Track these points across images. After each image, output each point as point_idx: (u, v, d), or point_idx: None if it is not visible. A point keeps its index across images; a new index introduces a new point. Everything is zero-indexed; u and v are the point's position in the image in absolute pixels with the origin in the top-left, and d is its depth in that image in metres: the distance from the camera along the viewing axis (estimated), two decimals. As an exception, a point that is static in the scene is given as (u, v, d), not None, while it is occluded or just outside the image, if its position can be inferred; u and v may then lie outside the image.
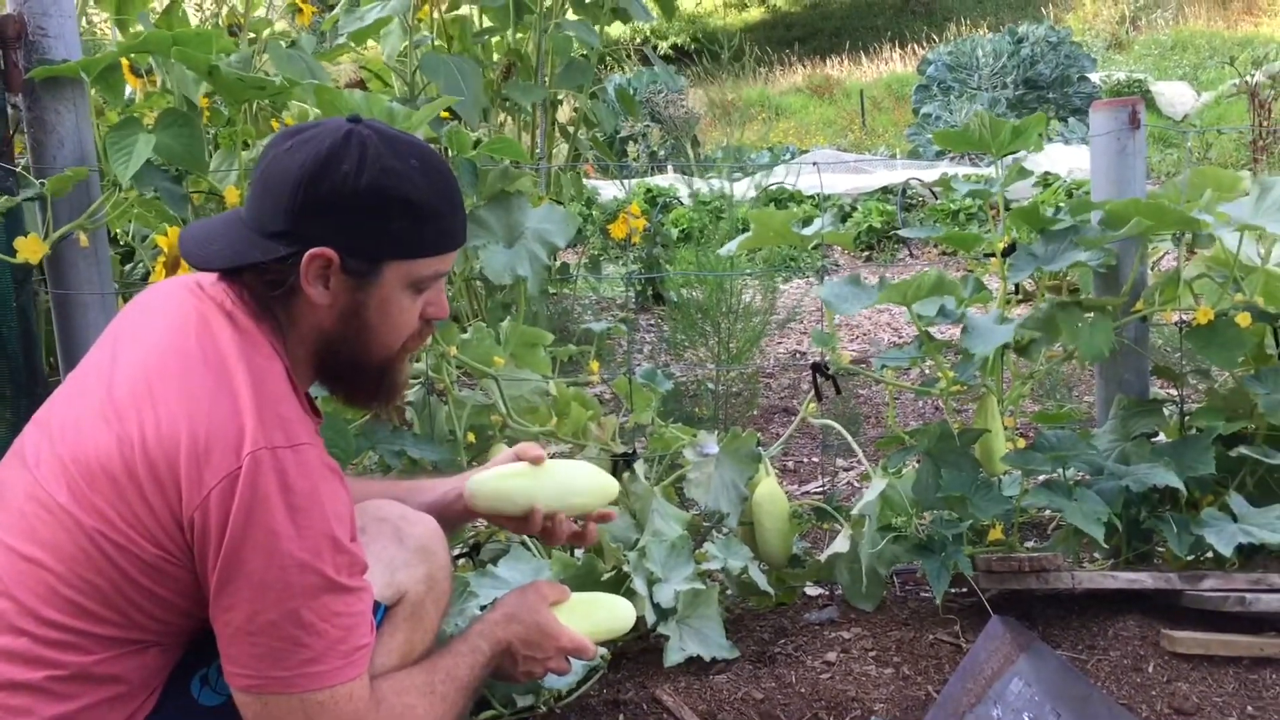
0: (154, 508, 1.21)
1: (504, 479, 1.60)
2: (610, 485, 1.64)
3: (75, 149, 1.86)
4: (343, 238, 1.30)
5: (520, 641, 1.49)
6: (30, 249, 1.72)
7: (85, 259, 1.87)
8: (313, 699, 1.23)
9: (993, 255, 2.28)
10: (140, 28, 2.45)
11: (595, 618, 1.59)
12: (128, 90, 2.34)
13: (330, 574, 1.23)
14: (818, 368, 2.25)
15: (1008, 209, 2.30)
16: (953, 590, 2.18)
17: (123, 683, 1.25)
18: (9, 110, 1.87)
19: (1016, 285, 2.32)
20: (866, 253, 7.03)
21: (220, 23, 3.18)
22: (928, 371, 3.51)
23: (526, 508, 1.58)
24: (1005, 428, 2.26)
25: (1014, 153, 2.27)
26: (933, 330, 2.26)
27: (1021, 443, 2.31)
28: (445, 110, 3.20)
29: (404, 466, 2.07)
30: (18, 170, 1.85)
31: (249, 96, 1.89)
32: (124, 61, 2.07)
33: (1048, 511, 2.61)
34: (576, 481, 1.62)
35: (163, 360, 1.29)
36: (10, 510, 1.27)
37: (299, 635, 1.22)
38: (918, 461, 2.19)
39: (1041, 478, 2.33)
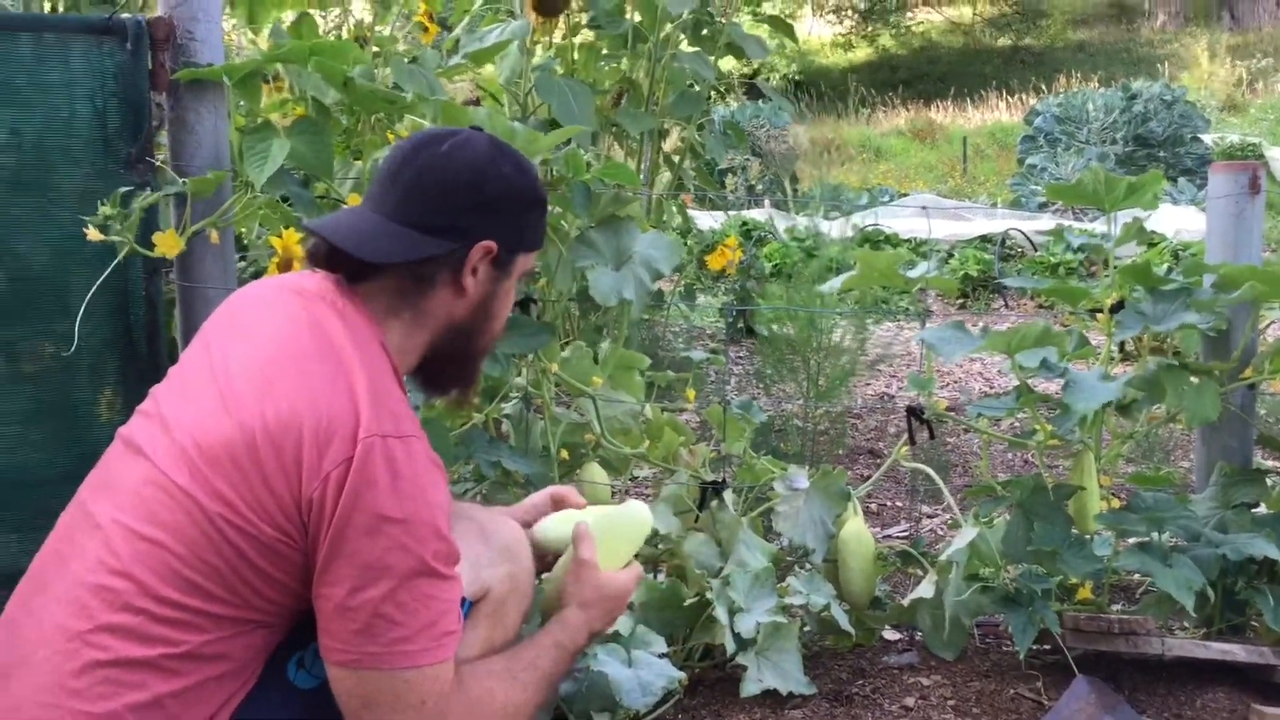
0: (275, 490, 1.27)
1: (564, 525, 1.64)
2: (646, 525, 1.69)
3: (212, 150, 1.94)
4: (502, 231, 1.46)
5: (602, 619, 1.55)
6: (168, 244, 1.80)
7: (213, 255, 1.95)
8: (401, 676, 1.29)
9: (1099, 311, 2.25)
10: (266, 36, 2.55)
11: (626, 538, 1.64)
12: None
13: (428, 559, 1.29)
14: (913, 411, 2.25)
15: (1113, 265, 2.27)
16: (1036, 646, 2.15)
17: (230, 661, 1.30)
18: (153, 109, 1.96)
19: (1121, 344, 2.29)
20: (960, 300, 6.96)
21: (345, 35, 3.29)
22: (1017, 424, 3.47)
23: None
24: (1100, 486, 2.23)
25: (1127, 209, 2.24)
26: (1031, 382, 2.24)
27: (1116, 503, 2.28)
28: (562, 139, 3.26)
29: (497, 477, 2.11)
30: (157, 165, 1.94)
31: (379, 108, 1.96)
32: (260, 69, 2.15)
33: (1137, 575, 2.56)
34: (635, 525, 1.67)
35: (277, 354, 1.35)
36: (126, 494, 1.32)
37: (394, 614, 1.27)
38: (1008, 513, 2.17)
39: (1134, 540, 2.29)
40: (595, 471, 2.22)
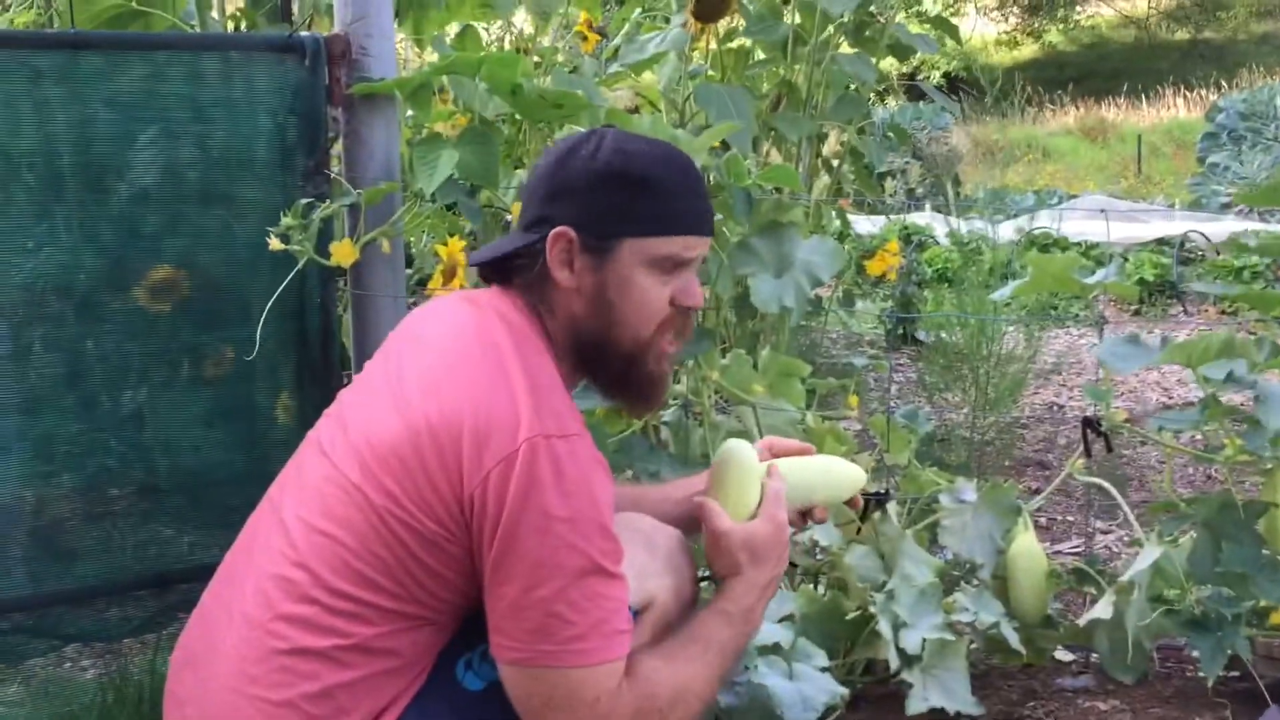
0: (437, 486, 1.30)
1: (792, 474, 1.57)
2: (860, 474, 1.63)
3: (384, 161, 2.00)
4: (581, 215, 1.40)
5: (770, 571, 1.48)
6: (344, 253, 1.86)
7: (384, 263, 2.00)
8: (576, 674, 1.29)
9: (1293, 318, 2.11)
10: (432, 49, 2.61)
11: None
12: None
13: (597, 557, 1.29)
14: (1089, 423, 2.15)
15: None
16: (1224, 673, 2.03)
17: (398, 657, 1.33)
18: (329, 122, 2.03)
19: (1320, 352, 2.14)
20: (1135, 306, 6.66)
21: (506, 46, 3.35)
22: (1200, 437, 3.29)
23: (804, 505, 1.58)
24: (1295, 504, 2.09)
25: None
26: (1219, 394, 2.12)
27: (1313, 522, 2.12)
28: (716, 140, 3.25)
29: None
30: (333, 177, 2.01)
31: (547, 116, 1.98)
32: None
33: (1336, 600, 2.39)
34: (835, 474, 1.62)
35: (444, 358, 1.39)
36: (308, 490, 1.39)
37: (566, 612, 1.28)
38: (1193, 531, 2.05)
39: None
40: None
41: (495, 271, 1.49)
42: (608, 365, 1.46)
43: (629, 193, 1.40)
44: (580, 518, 1.28)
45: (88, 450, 1.95)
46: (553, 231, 1.40)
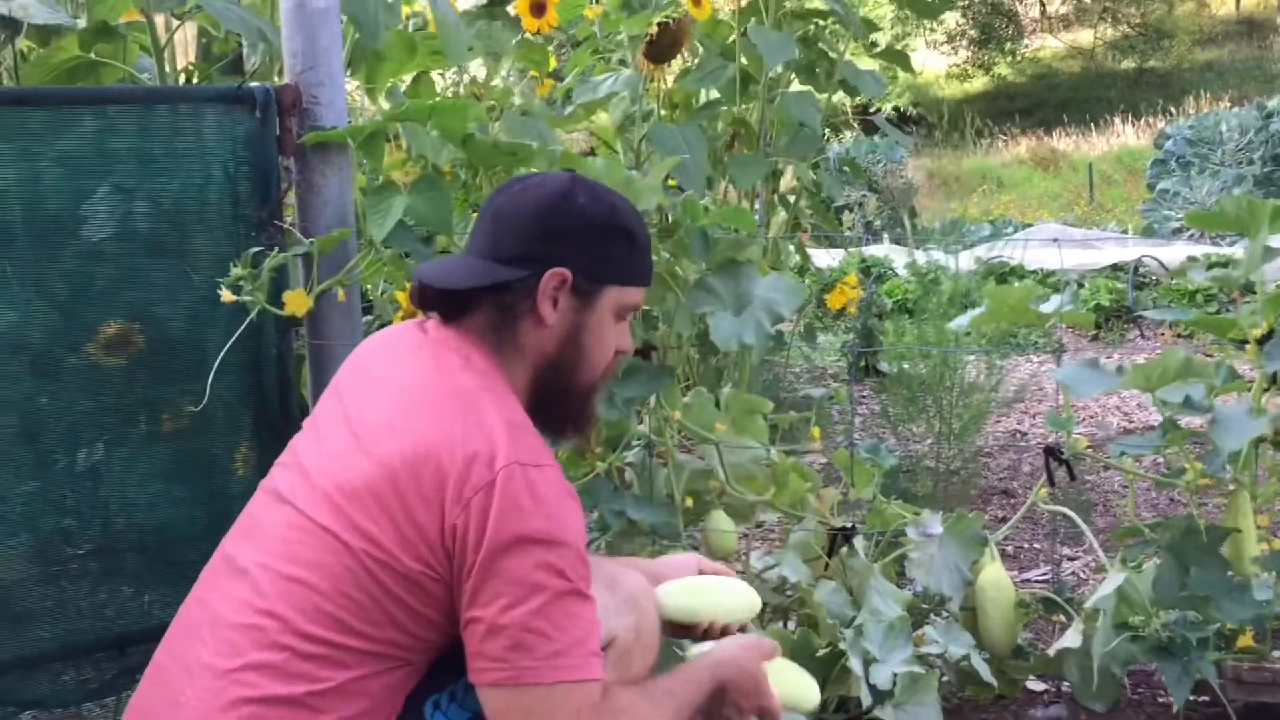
0: (418, 521, 1.31)
1: (694, 594, 1.66)
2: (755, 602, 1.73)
3: (337, 209, 1.98)
4: (577, 258, 1.45)
5: (734, 687, 1.53)
6: (297, 302, 1.84)
7: (340, 312, 1.98)
8: (558, 690, 1.30)
9: (1246, 342, 2.13)
10: (385, 98, 2.61)
11: (790, 685, 1.63)
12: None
13: (573, 579, 1.32)
14: (1051, 451, 2.16)
15: (1261, 293, 2.15)
16: (1194, 698, 2.03)
17: (369, 699, 1.32)
18: (281, 172, 2.01)
19: (1274, 375, 2.17)
20: (1094, 332, 6.73)
21: (461, 92, 3.36)
22: (1161, 461, 3.31)
23: (708, 621, 1.65)
24: (1258, 526, 2.11)
25: (1274, 235, 2.13)
26: (1178, 418, 2.13)
27: (1276, 544, 2.14)
28: (672, 180, 3.26)
29: (622, 526, 2.10)
30: (285, 227, 1.99)
31: (499, 162, 1.98)
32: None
33: (1300, 620, 2.40)
34: (741, 598, 1.70)
35: (409, 395, 1.40)
36: (270, 539, 1.38)
37: (546, 629, 1.30)
38: (1157, 556, 2.06)
39: (1296, 583, 2.15)
40: (720, 519, 2.19)
41: (452, 302, 1.47)
42: (567, 403, 1.51)
43: (621, 243, 1.48)
44: (557, 541, 1.31)
45: (42, 510, 1.91)
46: (550, 270, 1.44)
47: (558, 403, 1.50)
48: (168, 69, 2.36)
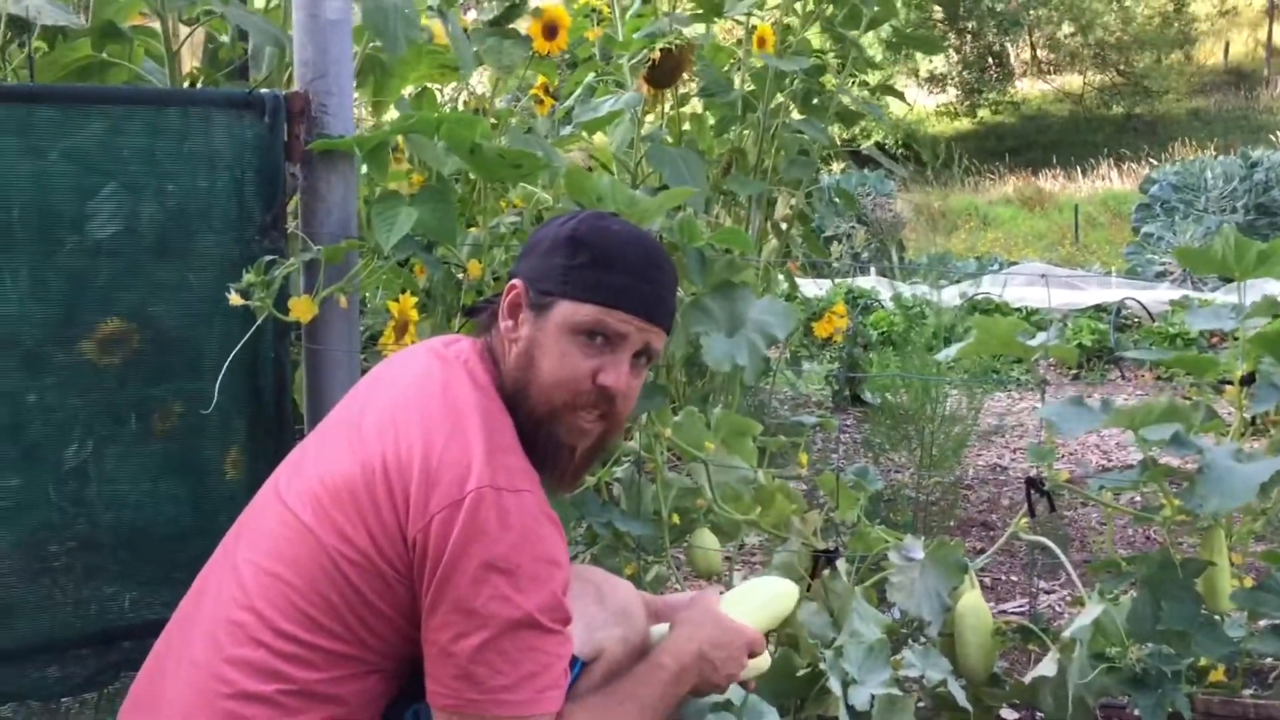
0: (385, 523, 1.31)
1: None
2: (791, 600, 1.72)
3: (341, 217, 2.01)
4: (532, 271, 1.46)
5: (711, 645, 1.50)
6: (302, 309, 1.86)
7: (340, 319, 2.01)
8: None
9: (1226, 383, 2.18)
10: (393, 109, 2.64)
11: (761, 604, 1.63)
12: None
13: (533, 611, 1.30)
14: (1033, 483, 2.19)
15: (1244, 336, 2.19)
16: (1165, 730, 2.06)
17: (343, 704, 1.33)
18: (287, 178, 2.04)
19: (1254, 417, 2.21)
20: (1074, 371, 6.80)
21: (460, 108, 3.39)
22: (1139, 499, 3.35)
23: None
24: (1231, 564, 2.14)
25: (1258, 278, 2.18)
26: (1155, 455, 2.17)
27: (1248, 581, 2.18)
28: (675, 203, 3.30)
29: (609, 540, 2.12)
30: (289, 234, 2.01)
31: (505, 176, 2.01)
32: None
33: (1270, 659, 2.44)
34: (757, 597, 1.68)
35: (405, 403, 1.41)
36: (260, 534, 1.40)
37: (496, 662, 1.28)
38: (1133, 590, 2.09)
39: (1269, 621, 2.18)
40: (706, 537, 2.21)
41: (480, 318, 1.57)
42: (521, 423, 1.44)
43: (578, 257, 1.44)
44: (520, 572, 1.29)
45: (29, 504, 1.92)
46: (509, 282, 1.48)
47: (524, 430, 1.43)
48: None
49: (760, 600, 1.61)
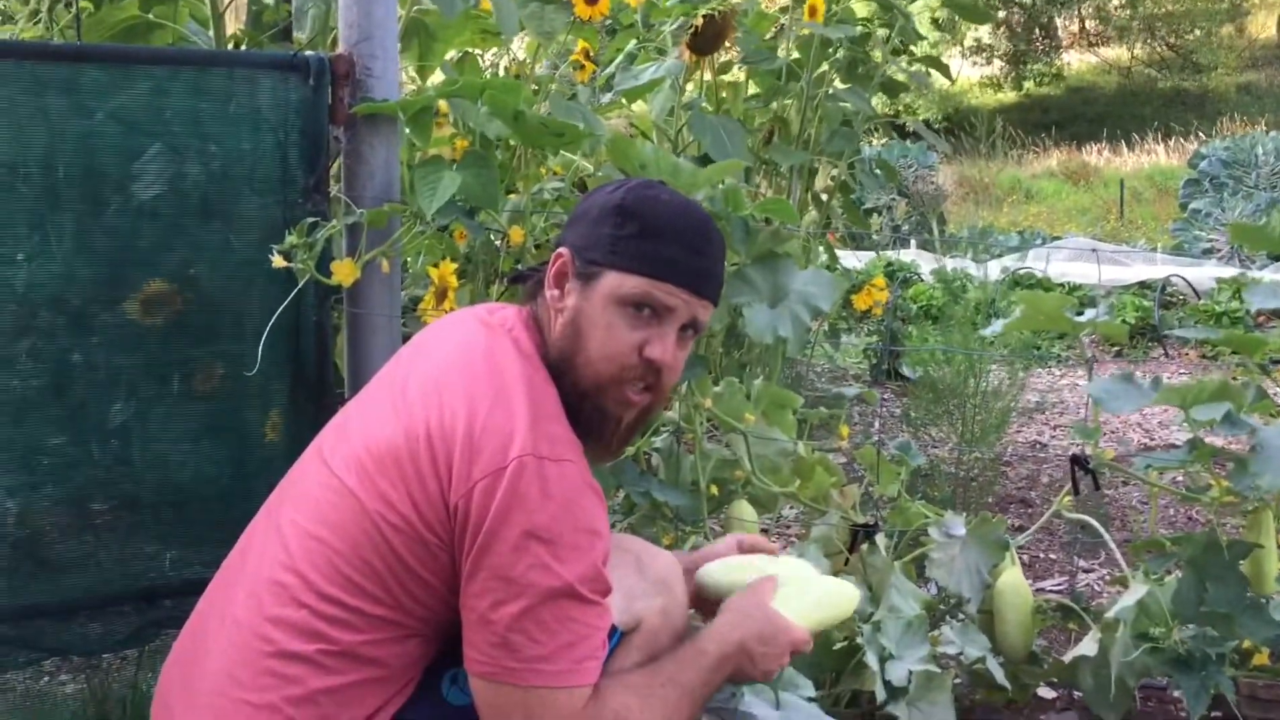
0: (428, 490, 1.31)
1: (734, 571, 1.60)
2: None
3: (384, 181, 2.00)
4: (580, 240, 1.45)
5: (755, 639, 1.47)
6: (345, 272, 1.86)
7: (381, 283, 2.00)
8: (536, 694, 1.30)
9: (1277, 362, 2.14)
10: (440, 73, 2.63)
11: (817, 602, 1.57)
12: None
13: (572, 580, 1.29)
14: (1078, 460, 2.16)
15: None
16: (1206, 713, 2.03)
17: (383, 667, 1.34)
18: (330, 141, 2.03)
19: (1305, 396, 2.17)
20: (1117, 348, 6.71)
21: (501, 73, 3.37)
22: (1181, 478, 3.30)
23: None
24: (1278, 546, 2.11)
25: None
26: (1203, 435, 2.13)
27: (1297, 564, 2.14)
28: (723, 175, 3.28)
29: (647, 509, 2.11)
30: (331, 197, 2.01)
31: (547, 143, 1.99)
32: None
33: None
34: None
35: (449, 369, 1.40)
36: (305, 497, 1.40)
37: (533, 631, 1.28)
38: (1177, 570, 2.06)
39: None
40: (744, 508, 2.20)
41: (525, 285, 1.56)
42: (565, 393, 1.42)
43: (626, 227, 1.42)
44: (561, 541, 1.29)
45: (74, 462, 1.93)
46: (556, 250, 1.45)
47: (568, 401, 1.42)
48: (210, 34, 2.38)
49: (816, 597, 1.57)
